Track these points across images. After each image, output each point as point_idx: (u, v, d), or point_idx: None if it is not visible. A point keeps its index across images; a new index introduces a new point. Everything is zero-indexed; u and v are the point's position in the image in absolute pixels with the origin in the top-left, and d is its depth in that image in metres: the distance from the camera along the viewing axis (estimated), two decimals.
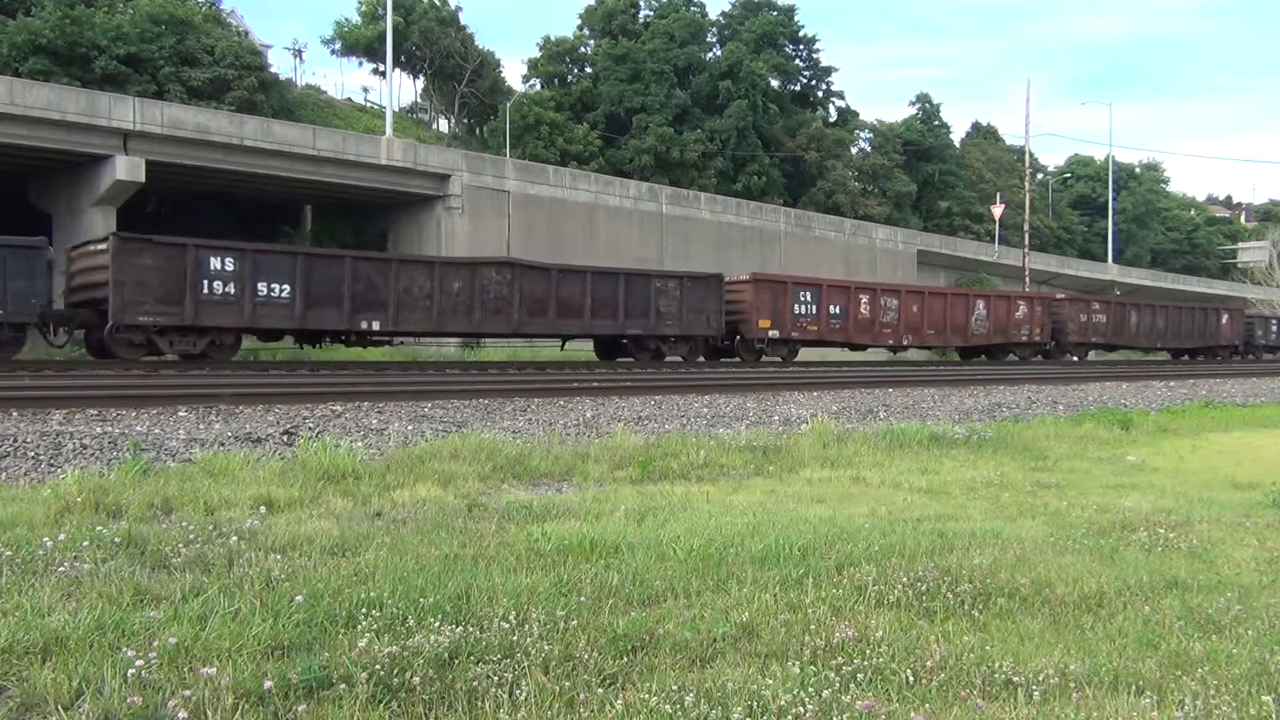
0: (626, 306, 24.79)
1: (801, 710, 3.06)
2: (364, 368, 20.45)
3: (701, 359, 27.00)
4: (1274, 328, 48.30)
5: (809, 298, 27.88)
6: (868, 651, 3.61)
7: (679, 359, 25.74)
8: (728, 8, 67.92)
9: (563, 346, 26.82)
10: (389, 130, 39.60)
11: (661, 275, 26.37)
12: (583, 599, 4.16)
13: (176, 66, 39.99)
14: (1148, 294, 68.46)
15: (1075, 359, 36.18)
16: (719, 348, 27.39)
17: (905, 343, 30.33)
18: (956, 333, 31.92)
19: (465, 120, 62.70)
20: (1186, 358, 42.09)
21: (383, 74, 55.00)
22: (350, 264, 21.31)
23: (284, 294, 20.34)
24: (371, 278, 21.47)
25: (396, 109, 54.07)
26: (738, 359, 27.32)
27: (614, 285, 24.72)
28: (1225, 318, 43.78)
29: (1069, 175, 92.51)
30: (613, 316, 24.63)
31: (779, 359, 27.34)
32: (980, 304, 32.94)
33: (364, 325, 21.39)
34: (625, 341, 25.46)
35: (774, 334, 26.86)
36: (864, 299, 29.39)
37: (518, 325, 23.27)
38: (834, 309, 28.44)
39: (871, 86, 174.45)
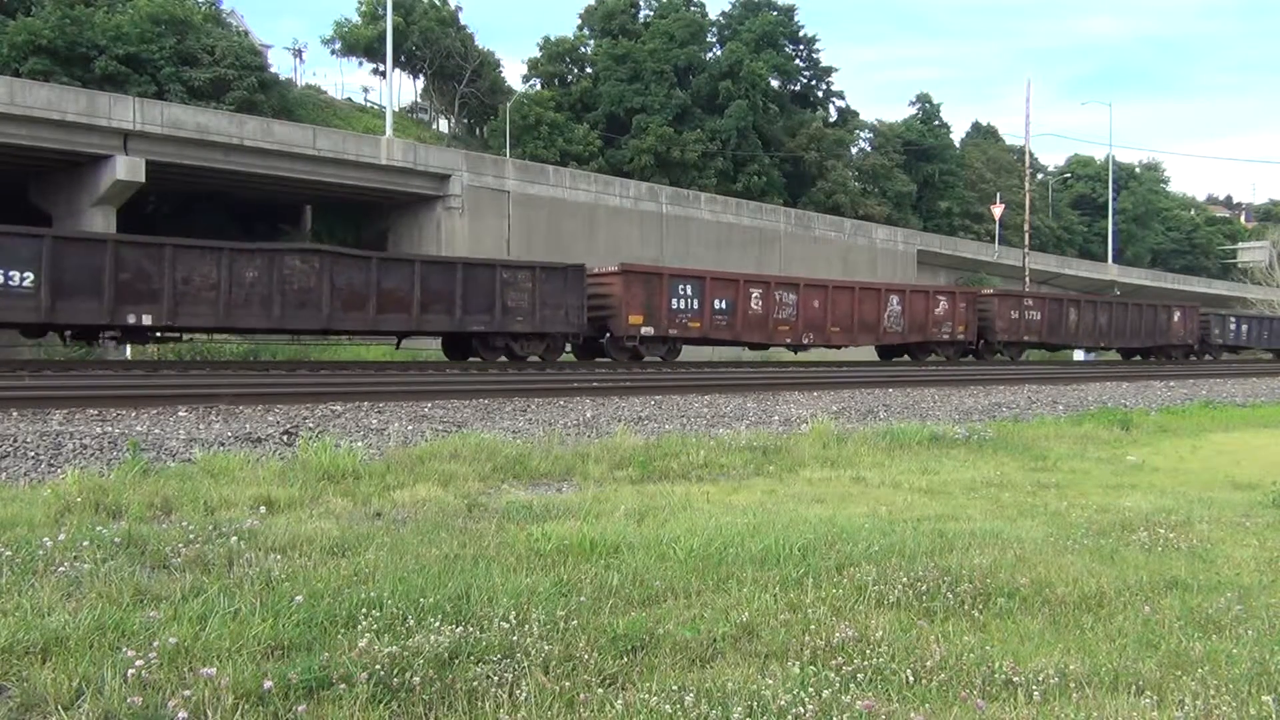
0: (465, 300, 22.24)
1: (801, 710, 3.06)
2: (364, 368, 20.46)
3: (572, 359, 25.22)
4: (1232, 326, 44.62)
5: (689, 291, 25.30)
6: (868, 651, 3.61)
7: (537, 359, 23.61)
8: (728, 8, 67.98)
9: (398, 345, 24.65)
10: (389, 130, 39.60)
11: (509, 265, 24.07)
12: (583, 599, 4.16)
13: (176, 66, 40.00)
14: (1148, 294, 68.55)
15: (1008, 359, 33.80)
16: (594, 347, 25.41)
17: (806, 341, 27.86)
18: (867, 330, 29.31)
19: (465, 120, 62.70)
20: (1139, 358, 39.72)
21: (383, 74, 55.03)
22: (113, 249, 18.79)
23: (26, 283, 17.90)
24: (142, 265, 18.93)
25: (396, 109, 54.06)
26: (615, 359, 24.92)
27: (449, 276, 22.16)
28: (1177, 315, 40.54)
29: (1069, 175, 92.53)
30: (448, 312, 22.09)
31: (658, 359, 24.95)
32: (894, 299, 30.19)
33: (131, 319, 18.88)
34: (472, 340, 23.30)
35: (648, 331, 24.36)
36: (755, 293, 26.72)
37: (329, 321, 20.76)
38: (719, 304, 25.82)
39: (871, 86, 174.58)
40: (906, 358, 31.60)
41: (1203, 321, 42.01)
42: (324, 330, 21.56)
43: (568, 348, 25.04)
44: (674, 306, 24.94)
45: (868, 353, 33.29)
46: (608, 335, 24.80)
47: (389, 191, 37.53)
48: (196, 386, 13.66)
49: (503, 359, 23.28)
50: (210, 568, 4.53)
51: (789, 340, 27.47)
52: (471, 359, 23.30)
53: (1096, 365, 35.31)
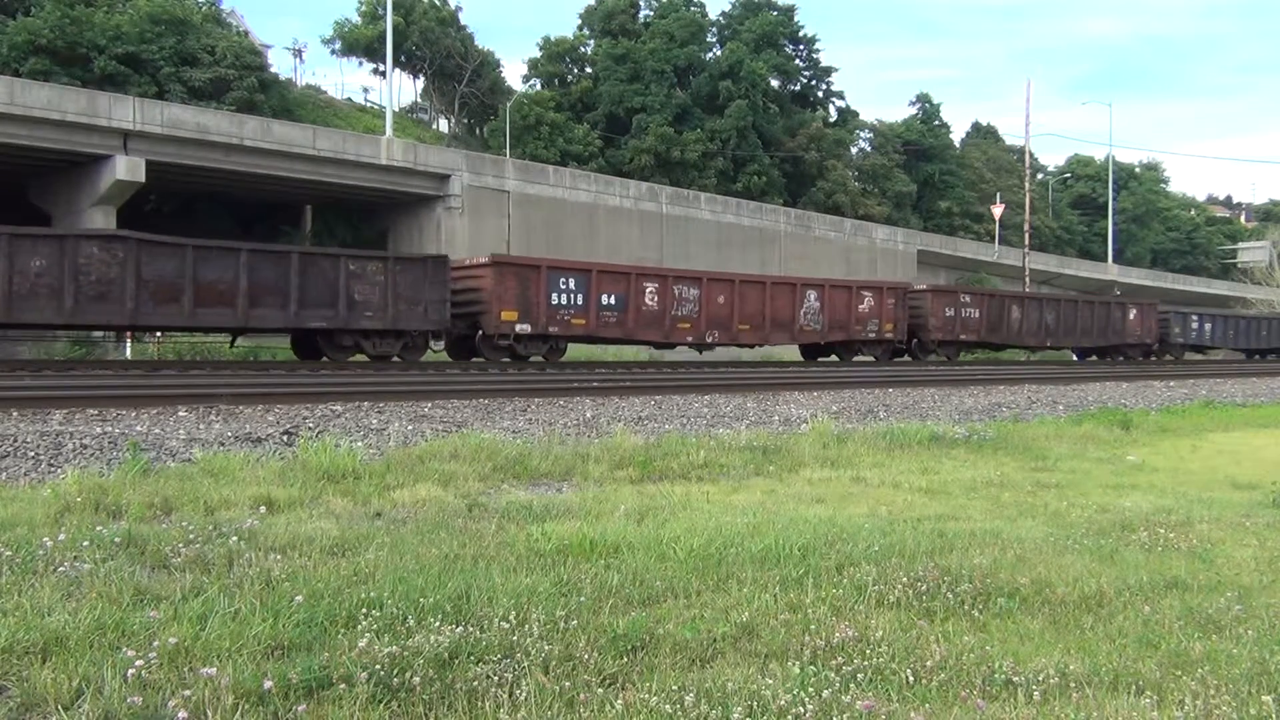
0: (303, 293, 20.26)
1: (801, 710, 3.06)
2: (364, 368, 20.44)
3: (443, 358, 23.20)
4: (1194, 325, 42.07)
5: (572, 285, 23.30)
6: (868, 651, 3.61)
7: (396, 358, 21.79)
8: (728, 8, 68.01)
9: (233, 343, 23.10)
10: (389, 130, 39.60)
11: (356, 256, 21.92)
12: (583, 599, 4.16)
13: (176, 66, 40.00)
14: (1148, 294, 68.56)
15: (945, 359, 31.91)
16: (469, 346, 23.56)
17: (710, 340, 25.75)
18: (780, 328, 27.17)
19: (465, 120, 62.71)
20: (1095, 358, 37.69)
21: (383, 74, 55.05)
22: None
23: None
24: None
25: (396, 109, 54.08)
26: (488, 359, 22.96)
27: (283, 267, 20.11)
28: (1133, 313, 38.30)
29: (1069, 175, 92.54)
30: (282, 306, 20.09)
31: (541, 359, 23.24)
32: (812, 295, 27.91)
33: None
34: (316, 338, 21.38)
35: (523, 328, 22.47)
36: (650, 288, 24.60)
37: (135, 316, 18.73)
38: (607, 299, 23.75)
39: (871, 86, 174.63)
40: (835, 358, 29.98)
41: (1162, 319, 39.90)
42: (129, 326, 19.75)
43: (440, 346, 23.50)
44: (554, 301, 22.96)
45: (792, 353, 31.73)
46: (480, 333, 22.95)
47: (389, 191, 37.53)
48: (196, 386, 13.65)
49: (434, 359, 22.12)
50: (210, 568, 4.53)
51: (690, 339, 25.53)
52: (366, 358, 21.73)
53: (1097, 366, 35.06)
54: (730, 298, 25.97)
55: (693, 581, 4.54)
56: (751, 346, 27.80)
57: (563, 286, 23.24)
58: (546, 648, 3.52)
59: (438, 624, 3.69)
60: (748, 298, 26.40)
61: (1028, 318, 34.25)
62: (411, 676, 3.20)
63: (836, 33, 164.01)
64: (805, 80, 69.17)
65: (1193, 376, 28.18)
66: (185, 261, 19.14)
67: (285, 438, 9.73)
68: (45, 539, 4.78)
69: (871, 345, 29.66)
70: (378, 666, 3.25)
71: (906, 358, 31.24)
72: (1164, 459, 10.11)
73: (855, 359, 29.69)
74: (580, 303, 23.39)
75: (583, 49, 64.35)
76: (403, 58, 55.99)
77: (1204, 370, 31.97)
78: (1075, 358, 39.10)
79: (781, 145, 62.90)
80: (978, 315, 32.30)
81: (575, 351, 28.13)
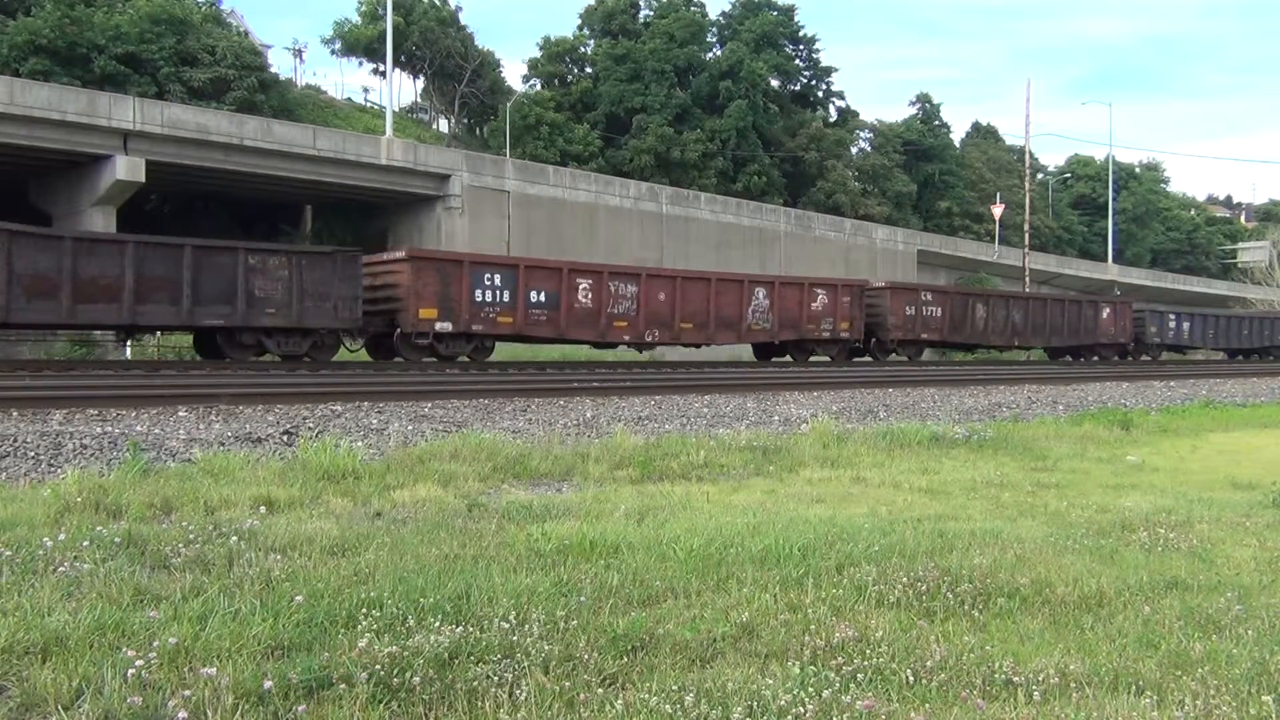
0: (197, 289, 19.12)
1: (801, 710, 3.06)
2: (364, 368, 20.44)
3: (362, 357, 22.19)
4: (1172, 323, 40.37)
5: (498, 281, 22.14)
6: (868, 651, 3.61)
7: (306, 357, 20.58)
8: (728, 8, 67.98)
9: (127, 340, 22.07)
10: (389, 130, 39.62)
11: (257, 249, 20.57)
12: (583, 599, 4.16)
13: (176, 66, 40.02)
14: (1148, 294, 68.52)
15: (906, 359, 30.81)
16: (389, 345, 22.23)
17: (650, 339, 24.62)
18: (726, 327, 25.96)
19: (465, 120, 62.71)
20: (1069, 358, 36.42)
21: (383, 74, 55.04)
22: None
23: None
24: None
25: (396, 109, 54.10)
26: (407, 359, 21.73)
27: (174, 261, 18.99)
28: (1106, 311, 36.95)
29: (1069, 175, 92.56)
30: (173, 302, 18.97)
31: (465, 358, 22.13)
32: (760, 292, 26.58)
33: None
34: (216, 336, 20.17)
35: (444, 326, 21.38)
36: (584, 284, 23.38)
37: (5, 314, 17.62)
38: (537, 296, 22.64)
39: (871, 86, 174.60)
40: (789, 359, 28.71)
41: (1137, 318, 38.60)
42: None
43: (358, 345, 22.60)
44: (478, 298, 21.86)
45: (744, 352, 30.62)
46: (398, 331, 21.66)
47: (389, 191, 37.54)
48: (196, 386, 13.66)
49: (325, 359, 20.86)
50: (210, 568, 4.53)
51: (627, 338, 24.33)
52: (282, 359, 20.55)
53: (1097, 366, 34.98)
54: (672, 295, 24.86)
55: (693, 581, 4.54)
56: (696, 346, 26.86)
57: (487, 283, 22.15)
58: (546, 648, 3.52)
59: (438, 624, 3.69)
60: (690, 295, 25.30)
61: (994, 316, 33.07)
62: (411, 676, 3.20)
63: (836, 33, 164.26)
64: (805, 80, 69.16)
65: (1193, 377, 28.17)
66: (62, 255, 18.12)
67: (285, 438, 9.73)
68: (45, 539, 4.78)
69: (827, 345, 28.54)
70: (378, 666, 3.25)
71: (867, 359, 30.29)
72: (1164, 459, 10.11)
73: (812, 360, 28.59)
74: (507, 300, 22.31)
75: (583, 49, 64.34)
76: (403, 58, 55.97)
77: (1204, 370, 31.94)
78: (1047, 358, 37.98)
79: (781, 145, 62.90)
80: (940, 314, 31.19)
81: (576, 352, 27.95)
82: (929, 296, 31.27)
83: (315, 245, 25.03)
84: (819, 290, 28.20)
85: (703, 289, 25.68)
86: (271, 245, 22.91)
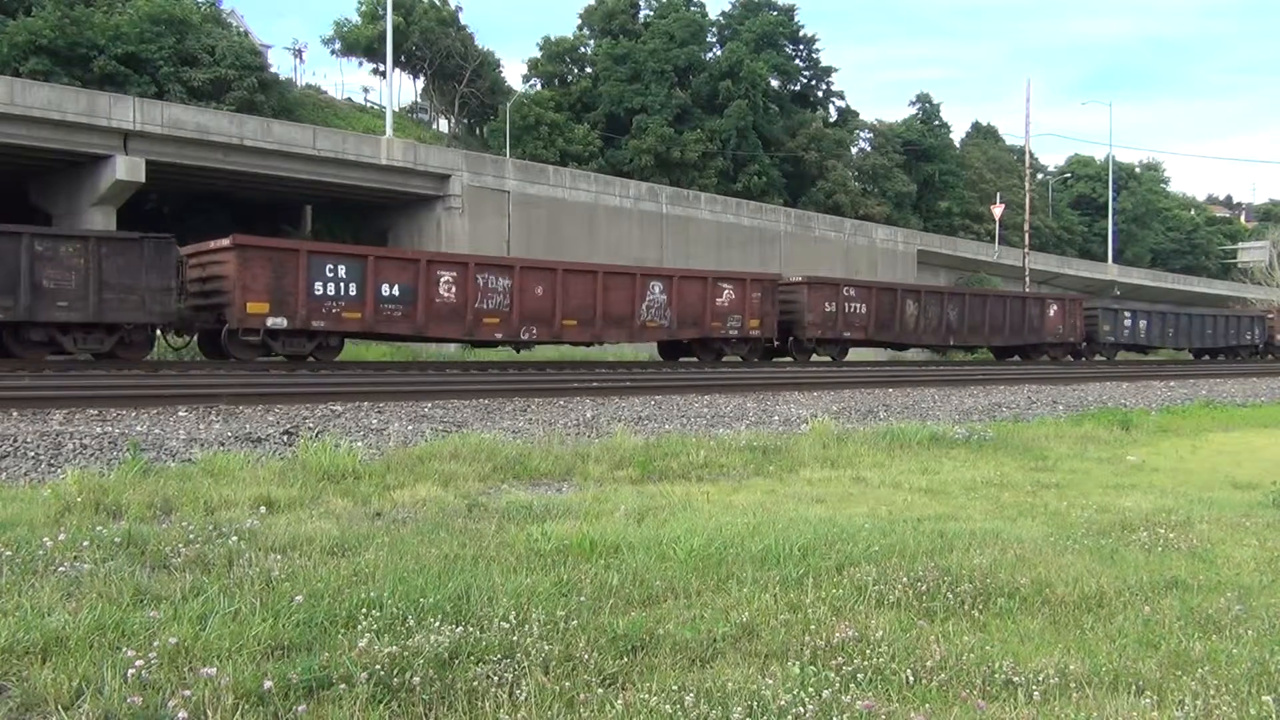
0: None
1: (801, 710, 3.06)
2: (364, 368, 20.45)
3: (185, 357, 20.39)
4: (1128, 321, 38.08)
5: (342, 273, 20.26)
6: (868, 651, 3.61)
7: (111, 356, 18.52)
8: (728, 8, 68.00)
9: None
10: (389, 130, 39.61)
11: (46, 235, 18.55)
12: (583, 599, 4.16)
13: (176, 66, 40.01)
14: (1148, 294, 68.50)
15: (830, 360, 28.83)
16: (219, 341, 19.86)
17: (527, 337, 22.82)
18: (616, 324, 24.08)
19: (465, 120, 62.71)
20: (1018, 358, 34.56)
21: (383, 74, 55.04)
22: None
23: None
24: None
25: (396, 109, 54.06)
26: (239, 359, 19.52)
27: None
28: (1054, 308, 34.92)
29: (1069, 175, 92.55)
30: None
31: (306, 356, 20.07)
32: (656, 286, 24.71)
33: None
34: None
35: (278, 322, 19.44)
36: (446, 277, 21.51)
37: None
38: (389, 289, 20.78)
39: (871, 86, 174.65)
40: (696, 359, 26.62)
41: (1089, 316, 36.66)
42: None
43: (181, 342, 20.85)
44: (318, 291, 19.92)
45: (651, 351, 28.81)
46: (226, 328, 19.59)
47: (389, 191, 37.53)
48: (196, 386, 13.66)
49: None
50: (210, 568, 4.54)
51: (499, 335, 22.58)
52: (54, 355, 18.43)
53: (1097, 366, 34.92)
54: (552, 289, 22.98)
55: (693, 581, 4.54)
56: (583, 345, 25.39)
57: (329, 274, 20.19)
58: (546, 648, 3.52)
59: (438, 624, 3.69)
60: (574, 289, 23.43)
61: (926, 314, 31.03)
62: (411, 676, 3.20)
63: (836, 33, 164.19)
64: (805, 80, 69.18)
65: (1193, 377, 28.19)
66: None
67: (285, 438, 9.73)
68: (45, 539, 4.78)
69: (735, 344, 26.61)
70: (378, 666, 3.25)
71: (787, 359, 28.53)
72: (1164, 459, 10.11)
73: (725, 360, 26.62)
74: (354, 293, 20.42)
75: (583, 49, 64.34)
76: (403, 58, 55.97)
77: (1204, 370, 31.95)
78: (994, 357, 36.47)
79: (781, 145, 62.91)
80: (865, 310, 29.23)
81: (573, 353, 27.56)
82: (851, 292, 29.44)
83: (121, 231, 22.14)
84: (724, 285, 26.30)
85: (588, 283, 23.82)
86: (63, 231, 20.86)
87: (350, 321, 20.58)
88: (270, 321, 19.52)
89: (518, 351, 24.35)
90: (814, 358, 28.68)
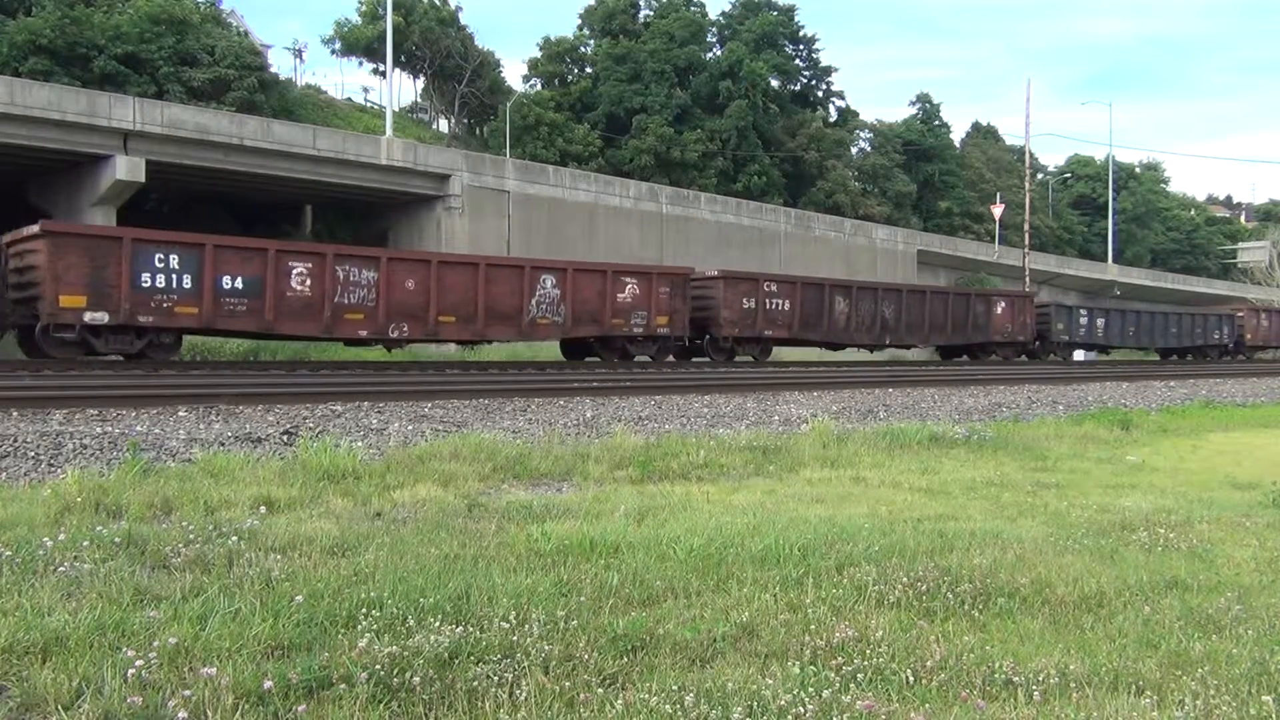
0: None
1: (801, 710, 3.06)
2: (364, 368, 20.45)
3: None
4: (1084, 320, 36.24)
5: (174, 264, 18.46)
6: (868, 651, 3.61)
7: None
8: (728, 8, 68.03)
9: None
10: (389, 130, 39.60)
11: None
12: (583, 599, 4.16)
13: (176, 66, 40.01)
14: (1148, 294, 68.48)
15: (750, 360, 27.18)
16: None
17: (396, 335, 21.20)
18: (503, 321, 22.46)
19: (465, 120, 62.74)
20: (966, 358, 33.09)
21: (383, 74, 55.07)
22: None
23: None
24: None
25: (396, 109, 54.08)
26: (53, 357, 17.83)
27: None
28: (1002, 306, 33.15)
29: (1069, 175, 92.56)
30: None
31: (137, 355, 18.43)
32: (549, 280, 23.08)
33: None
34: None
35: (96, 317, 17.73)
36: (299, 268, 19.80)
37: None
38: (230, 282, 18.97)
39: (871, 86, 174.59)
40: (641, 357, 25.07)
41: (1041, 314, 35.00)
42: None
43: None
44: (144, 283, 18.17)
45: (548, 349, 27.22)
46: (39, 324, 17.99)
47: (389, 191, 37.52)
48: (196, 386, 13.66)
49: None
50: (210, 568, 4.54)
51: (364, 332, 20.92)
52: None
53: (1097, 366, 34.89)
54: (425, 283, 21.33)
55: (693, 581, 4.54)
56: (464, 343, 24.08)
57: (159, 265, 18.41)
58: (546, 648, 3.52)
59: (438, 624, 3.69)
60: (451, 283, 21.77)
61: (858, 311, 29.29)
62: (411, 676, 3.20)
63: (836, 33, 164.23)
64: (805, 80, 69.19)
65: (1193, 377, 28.19)
66: None
67: (285, 438, 9.73)
68: (45, 539, 4.78)
69: (641, 343, 24.86)
70: (378, 666, 3.25)
71: (706, 359, 26.77)
72: (1164, 459, 10.11)
73: (639, 359, 24.82)
74: (188, 285, 18.68)
75: (583, 49, 64.36)
76: (403, 58, 56.00)
77: (1204, 371, 31.94)
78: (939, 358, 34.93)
79: (781, 145, 62.91)
80: (788, 307, 27.46)
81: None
82: (773, 287, 27.51)
83: None
84: (628, 279, 24.57)
85: (467, 275, 22.13)
86: None
87: (185, 317, 18.86)
88: (89, 316, 17.83)
89: (389, 350, 22.83)
90: (738, 358, 27.12)
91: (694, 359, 26.65)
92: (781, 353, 30.50)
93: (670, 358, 25.76)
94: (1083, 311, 37.02)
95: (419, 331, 21.61)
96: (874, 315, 29.77)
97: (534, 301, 22.86)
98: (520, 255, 31.12)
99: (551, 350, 27.76)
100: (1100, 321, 37.15)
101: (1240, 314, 44.34)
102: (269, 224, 39.19)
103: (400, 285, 21.10)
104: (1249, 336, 43.38)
